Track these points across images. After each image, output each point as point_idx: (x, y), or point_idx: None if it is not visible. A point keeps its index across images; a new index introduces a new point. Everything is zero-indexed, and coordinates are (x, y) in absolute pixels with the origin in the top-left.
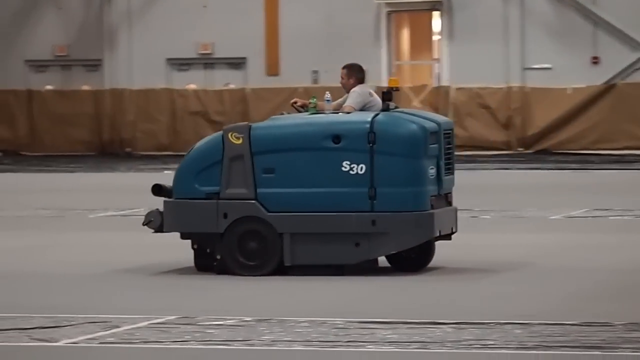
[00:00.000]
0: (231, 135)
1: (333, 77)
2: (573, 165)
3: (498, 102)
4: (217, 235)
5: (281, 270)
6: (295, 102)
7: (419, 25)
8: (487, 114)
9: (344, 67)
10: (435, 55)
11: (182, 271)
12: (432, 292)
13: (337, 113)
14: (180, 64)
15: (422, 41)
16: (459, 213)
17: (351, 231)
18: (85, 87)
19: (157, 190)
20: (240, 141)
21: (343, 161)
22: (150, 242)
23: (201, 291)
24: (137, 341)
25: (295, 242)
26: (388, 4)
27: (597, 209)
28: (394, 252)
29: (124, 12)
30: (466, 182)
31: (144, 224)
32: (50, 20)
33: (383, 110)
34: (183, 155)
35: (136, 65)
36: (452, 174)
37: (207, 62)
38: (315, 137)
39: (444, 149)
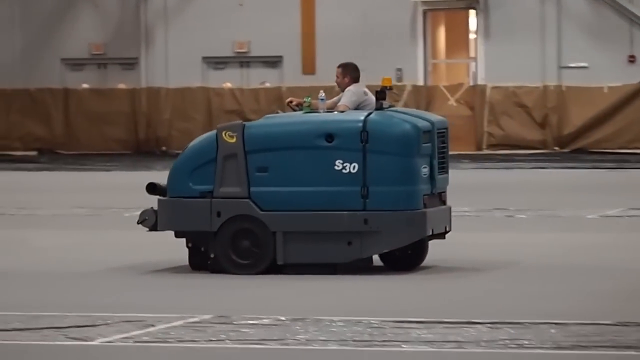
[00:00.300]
0: (225, 134)
1: (369, 75)
2: (609, 165)
3: (534, 101)
4: (210, 233)
5: (274, 269)
6: (291, 102)
7: (455, 24)
8: (523, 112)
9: (339, 66)
10: (472, 54)
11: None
12: (467, 291)
13: (332, 112)
14: (217, 62)
15: (458, 40)
16: (496, 212)
17: (343, 230)
18: (122, 86)
19: (152, 188)
20: (234, 140)
21: (336, 160)
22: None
23: (237, 290)
24: (172, 340)
25: (288, 240)
26: (424, 2)
27: (632, 209)
28: (386, 250)
29: (160, 10)
30: (502, 181)
31: (138, 223)
32: (86, 19)
33: (377, 109)
34: None
35: (172, 64)
36: (446, 173)
37: (243, 60)
38: (309, 136)
39: (437, 148)
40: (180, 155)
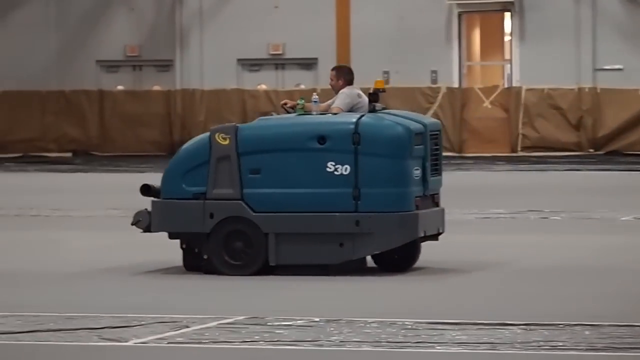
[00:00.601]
0: (218, 136)
1: (404, 78)
2: None
3: (569, 103)
4: (203, 235)
5: (266, 270)
6: (285, 104)
7: (490, 26)
8: (558, 115)
9: (333, 69)
10: (507, 56)
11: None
12: (500, 292)
13: (325, 114)
14: (251, 64)
15: (493, 42)
16: (530, 214)
17: (335, 231)
18: (156, 88)
19: (146, 190)
20: (227, 142)
21: (328, 162)
22: None
23: (271, 291)
24: (207, 341)
25: (280, 242)
26: (459, 5)
27: None
28: (377, 252)
29: (196, 12)
30: (536, 183)
31: (132, 224)
32: (121, 21)
33: (369, 111)
34: None
35: (207, 66)
36: (439, 175)
37: (278, 62)
38: (301, 138)
39: (430, 150)
40: (174, 157)
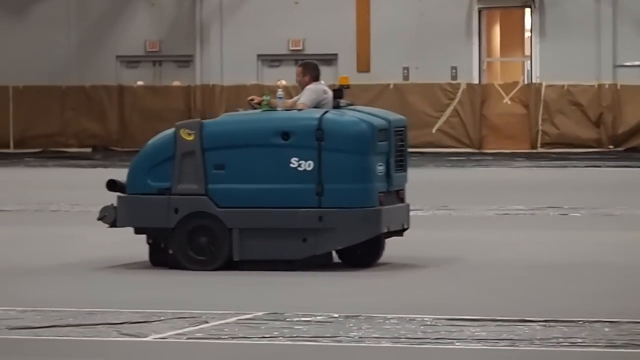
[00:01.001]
0: (183, 131)
1: (424, 74)
2: None
3: (589, 100)
4: (168, 230)
5: (230, 265)
6: (252, 99)
7: (510, 22)
8: (577, 111)
9: (299, 65)
10: (527, 52)
11: (272, 267)
12: (520, 289)
13: (290, 110)
14: (271, 60)
15: (513, 38)
16: (550, 210)
17: (298, 227)
18: (176, 83)
19: (112, 185)
20: (191, 137)
21: (291, 158)
22: None
23: (290, 287)
24: (226, 337)
25: (244, 237)
26: (480, 1)
27: None
28: (340, 247)
29: (216, 8)
30: (556, 179)
31: (98, 219)
32: (142, 16)
33: (334, 107)
34: None
35: (227, 61)
36: (405, 171)
37: (298, 58)
38: (265, 134)
39: (394, 146)
40: (139, 153)
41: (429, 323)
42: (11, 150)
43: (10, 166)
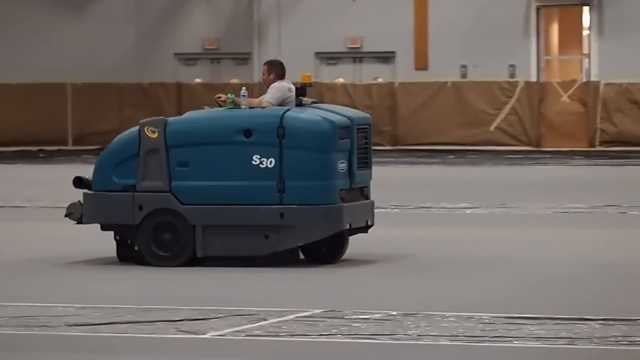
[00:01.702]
0: (147, 129)
1: (482, 72)
2: None
3: None
4: (133, 226)
5: (194, 261)
6: (219, 97)
7: (569, 20)
8: (636, 109)
9: (264, 63)
10: (585, 50)
11: (331, 265)
12: (578, 287)
13: (255, 108)
14: (329, 57)
15: (571, 36)
16: (608, 209)
17: (260, 224)
18: (234, 81)
19: (78, 182)
20: (155, 135)
21: (253, 155)
22: None
23: (348, 285)
24: (284, 334)
25: (207, 234)
26: None
27: None
28: (301, 244)
29: (274, 5)
30: (615, 178)
31: (65, 216)
32: (199, 14)
33: (297, 105)
34: None
35: (285, 59)
36: (369, 168)
37: (356, 56)
38: (227, 132)
39: (357, 144)
40: (105, 150)
41: (487, 321)
42: (70, 147)
43: (68, 163)
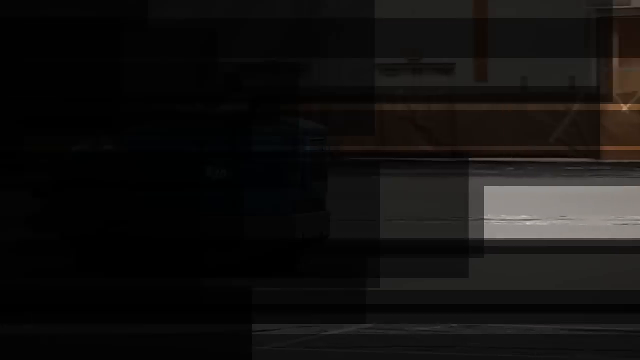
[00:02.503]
0: None
1: (542, 82)
2: None
3: None
4: None
5: None
6: None
7: (629, 31)
8: None
9: None
10: None
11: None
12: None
13: None
14: (388, 69)
15: (631, 47)
16: None
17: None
18: None
19: None
20: None
21: (207, 165)
22: None
23: (409, 296)
24: (346, 346)
25: None
26: (598, 10)
27: None
28: (254, 255)
29: (332, 15)
30: None
31: None
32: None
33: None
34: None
35: (344, 70)
36: (324, 179)
37: (415, 67)
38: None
39: (312, 155)
40: None
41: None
42: None
43: None
